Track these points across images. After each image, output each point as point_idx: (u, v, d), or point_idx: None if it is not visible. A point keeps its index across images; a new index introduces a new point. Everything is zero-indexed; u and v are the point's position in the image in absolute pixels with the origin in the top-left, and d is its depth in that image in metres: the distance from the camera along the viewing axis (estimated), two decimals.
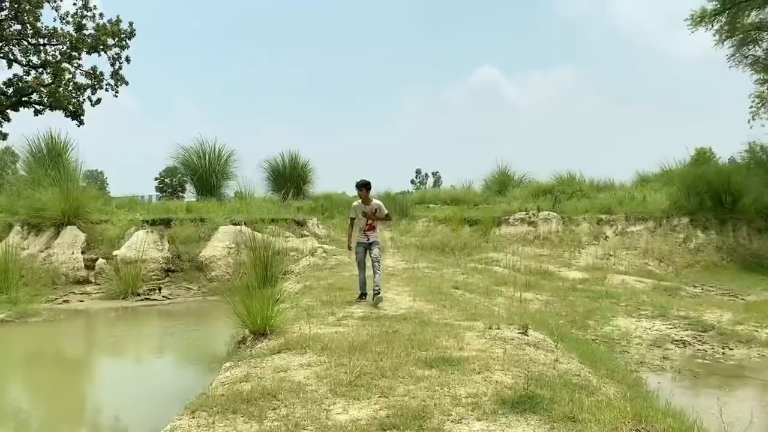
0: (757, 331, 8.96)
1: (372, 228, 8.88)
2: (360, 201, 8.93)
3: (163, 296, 13.94)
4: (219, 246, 15.31)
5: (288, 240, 15.60)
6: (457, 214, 19.98)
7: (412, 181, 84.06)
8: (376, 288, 8.46)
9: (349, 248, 9.33)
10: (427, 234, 19.23)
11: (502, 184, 25.60)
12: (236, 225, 16.02)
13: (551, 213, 19.09)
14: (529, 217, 19.12)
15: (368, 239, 8.84)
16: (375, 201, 9.00)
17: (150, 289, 14.12)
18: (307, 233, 17.00)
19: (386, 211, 9.10)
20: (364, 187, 8.85)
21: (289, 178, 22.72)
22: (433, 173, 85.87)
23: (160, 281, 14.67)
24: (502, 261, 15.55)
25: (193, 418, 4.30)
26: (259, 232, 14.94)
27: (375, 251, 8.77)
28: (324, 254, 14.65)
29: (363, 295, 8.82)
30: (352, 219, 9.05)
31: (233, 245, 15.26)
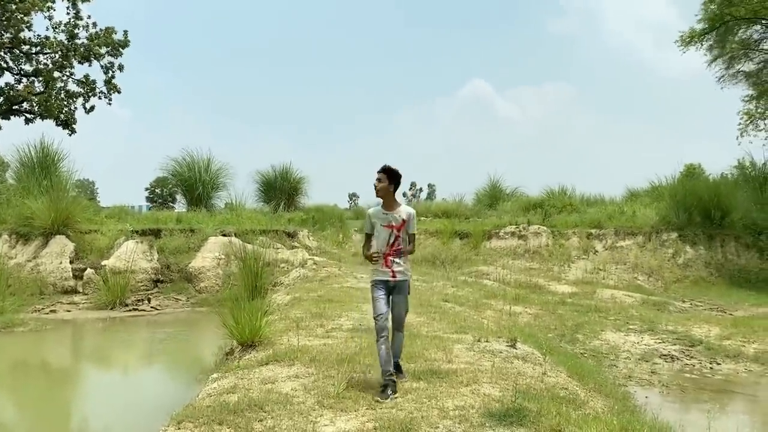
0: (744, 346, 9.00)
1: (398, 251, 5.21)
2: (380, 206, 5.38)
3: (151, 307, 13.84)
4: (209, 257, 15.25)
5: (278, 251, 15.56)
6: (448, 227, 20.01)
7: (405, 194, 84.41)
8: (395, 359, 5.29)
9: (372, 259, 5.27)
10: (417, 247, 19.23)
11: (493, 197, 25.70)
12: (226, 236, 15.97)
13: (541, 227, 19.16)
14: (520, 231, 19.18)
15: (393, 275, 5.17)
16: (404, 207, 5.37)
17: (138, 300, 14.03)
18: (297, 245, 16.97)
19: (415, 230, 5.40)
20: (386, 175, 5.22)
21: (280, 189, 22.72)
22: (429, 185, 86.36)
23: (149, 292, 14.58)
24: (492, 274, 15.58)
25: (179, 429, 4.27)
26: (249, 243, 14.91)
27: (400, 307, 5.27)
28: (314, 266, 14.62)
29: (389, 385, 4.88)
30: (368, 236, 5.40)
31: (223, 256, 15.20)
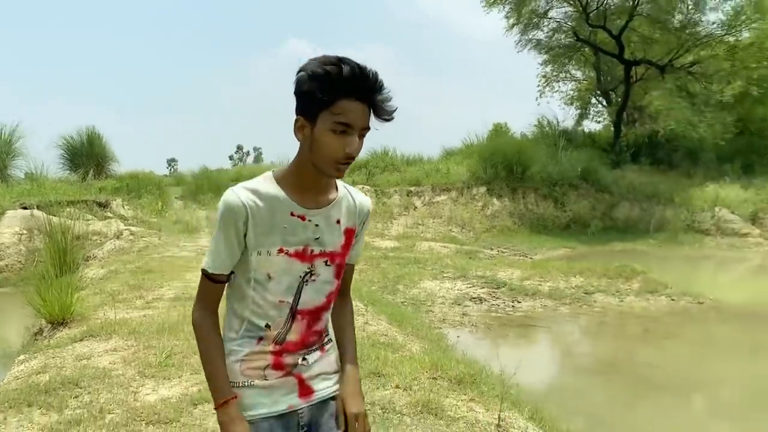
0: (540, 285, 10.17)
1: (319, 333, 1.79)
2: (275, 185, 1.65)
3: None
4: (7, 233, 13.76)
5: (89, 223, 14.46)
6: None
7: (231, 158, 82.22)
8: None
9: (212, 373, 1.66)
10: None
11: None
12: (27, 209, 14.49)
13: (366, 186, 19.79)
14: None
15: (306, 389, 1.75)
16: (347, 193, 1.79)
17: None
18: (111, 215, 15.89)
19: (360, 253, 1.92)
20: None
21: (87, 156, 20.94)
22: (255, 149, 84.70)
23: None
24: None
25: None
26: (55, 215, 13.68)
27: None
28: (131, 237, 13.84)
29: None
30: (216, 282, 1.67)
31: (25, 231, 13.80)
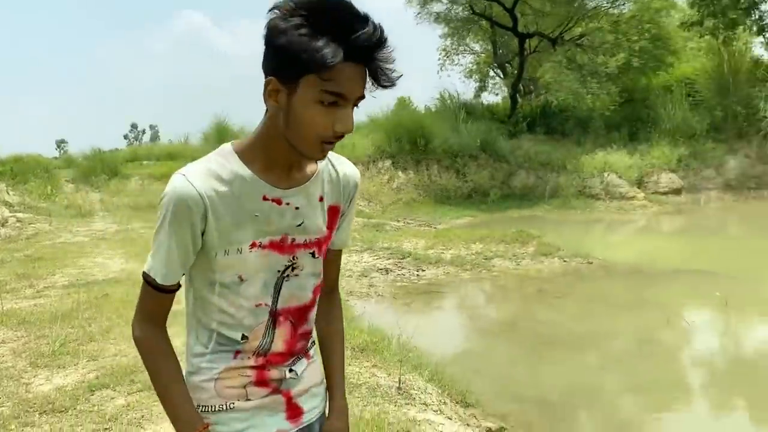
0: (443, 253, 10.49)
1: (306, 334, 1.46)
2: (237, 162, 1.32)
3: None
4: None
5: None
6: (174, 170, 19.23)
7: (126, 137, 78.65)
8: None
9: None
10: (142, 193, 18.24)
11: (220, 136, 25.17)
12: None
13: None
14: None
15: (294, 411, 1.43)
16: (330, 164, 1.47)
17: None
18: None
19: (349, 236, 1.58)
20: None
21: None
22: (151, 126, 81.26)
23: None
24: None
25: None
26: None
27: None
28: (18, 224, 13.02)
29: None
30: (164, 290, 1.29)
31: None
